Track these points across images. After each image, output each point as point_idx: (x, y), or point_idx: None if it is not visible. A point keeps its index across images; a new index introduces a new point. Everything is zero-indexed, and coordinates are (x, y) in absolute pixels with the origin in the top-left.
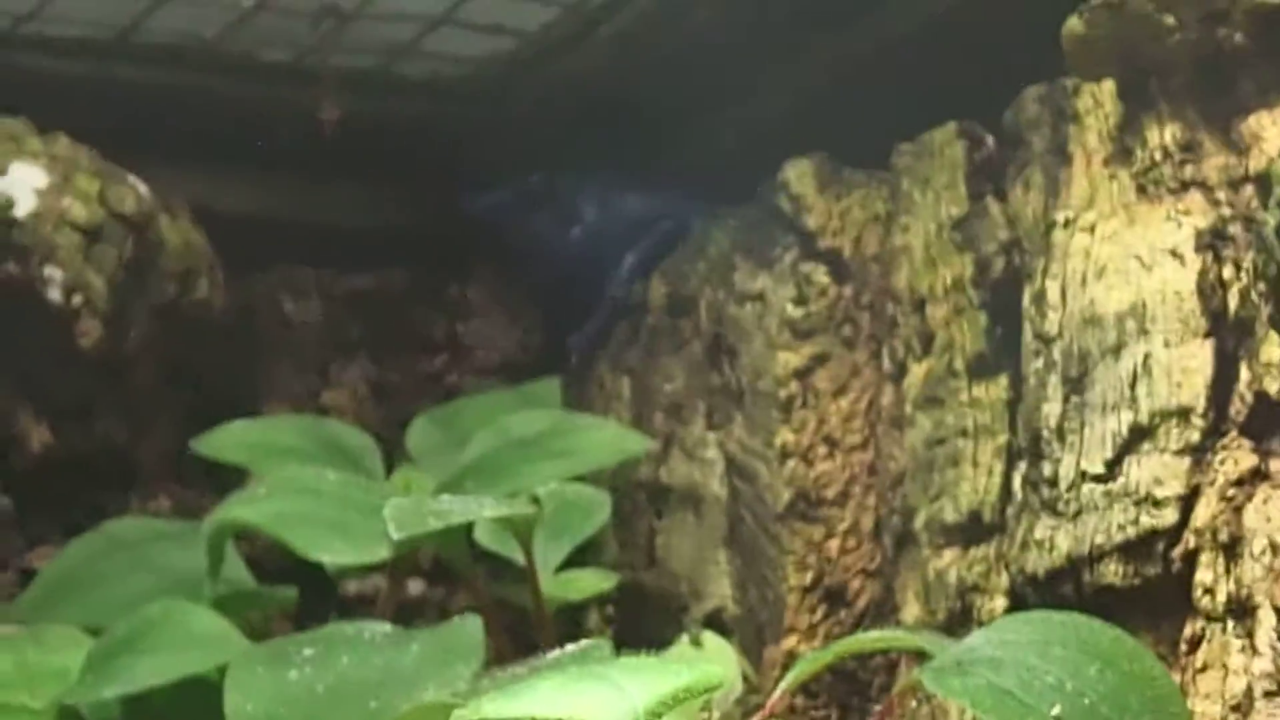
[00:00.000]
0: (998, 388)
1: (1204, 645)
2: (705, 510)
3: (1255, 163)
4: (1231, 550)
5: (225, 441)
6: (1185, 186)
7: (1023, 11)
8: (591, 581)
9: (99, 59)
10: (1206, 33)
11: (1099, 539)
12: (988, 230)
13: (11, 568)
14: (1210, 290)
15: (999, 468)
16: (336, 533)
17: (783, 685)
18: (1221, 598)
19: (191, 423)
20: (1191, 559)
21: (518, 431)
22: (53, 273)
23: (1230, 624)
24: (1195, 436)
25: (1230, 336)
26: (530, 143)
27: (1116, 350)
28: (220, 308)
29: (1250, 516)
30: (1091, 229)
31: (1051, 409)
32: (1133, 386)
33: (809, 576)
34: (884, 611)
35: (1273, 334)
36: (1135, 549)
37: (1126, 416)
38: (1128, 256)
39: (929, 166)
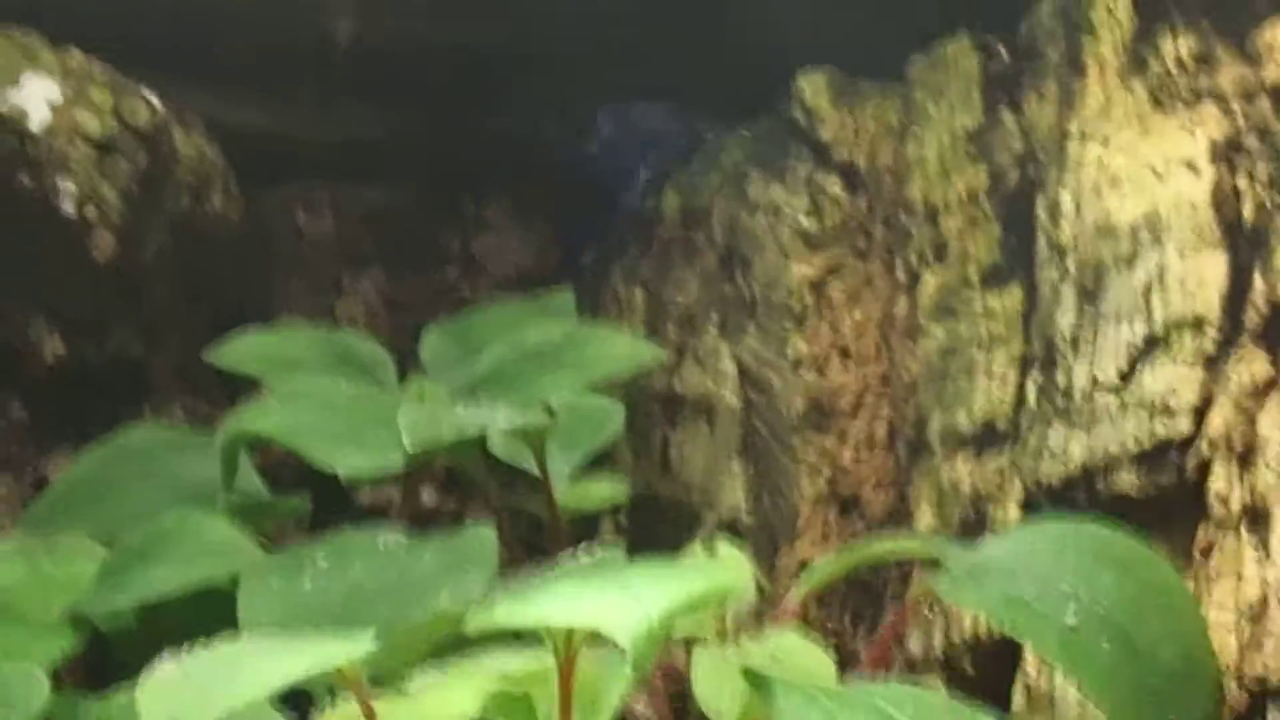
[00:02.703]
0: (1011, 298)
1: (1218, 553)
2: (718, 420)
3: (1270, 74)
4: (1245, 459)
5: (239, 353)
6: (1199, 98)
7: None
8: (605, 491)
9: None
10: None
11: (1113, 448)
12: (1002, 141)
13: (25, 477)
14: (1224, 201)
15: (1013, 377)
16: (350, 443)
17: (796, 593)
18: (1236, 506)
19: (205, 335)
20: (1205, 467)
21: (531, 342)
22: (66, 185)
23: (1244, 532)
24: (1209, 346)
25: (1244, 246)
26: (544, 57)
27: (1130, 260)
28: (234, 220)
29: (1264, 425)
30: (1105, 140)
31: (1065, 318)
32: (1147, 296)
33: (822, 485)
34: (897, 520)
35: None
36: (1149, 458)
37: (1140, 326)
38: (1142, 167)
39: (943, 78)
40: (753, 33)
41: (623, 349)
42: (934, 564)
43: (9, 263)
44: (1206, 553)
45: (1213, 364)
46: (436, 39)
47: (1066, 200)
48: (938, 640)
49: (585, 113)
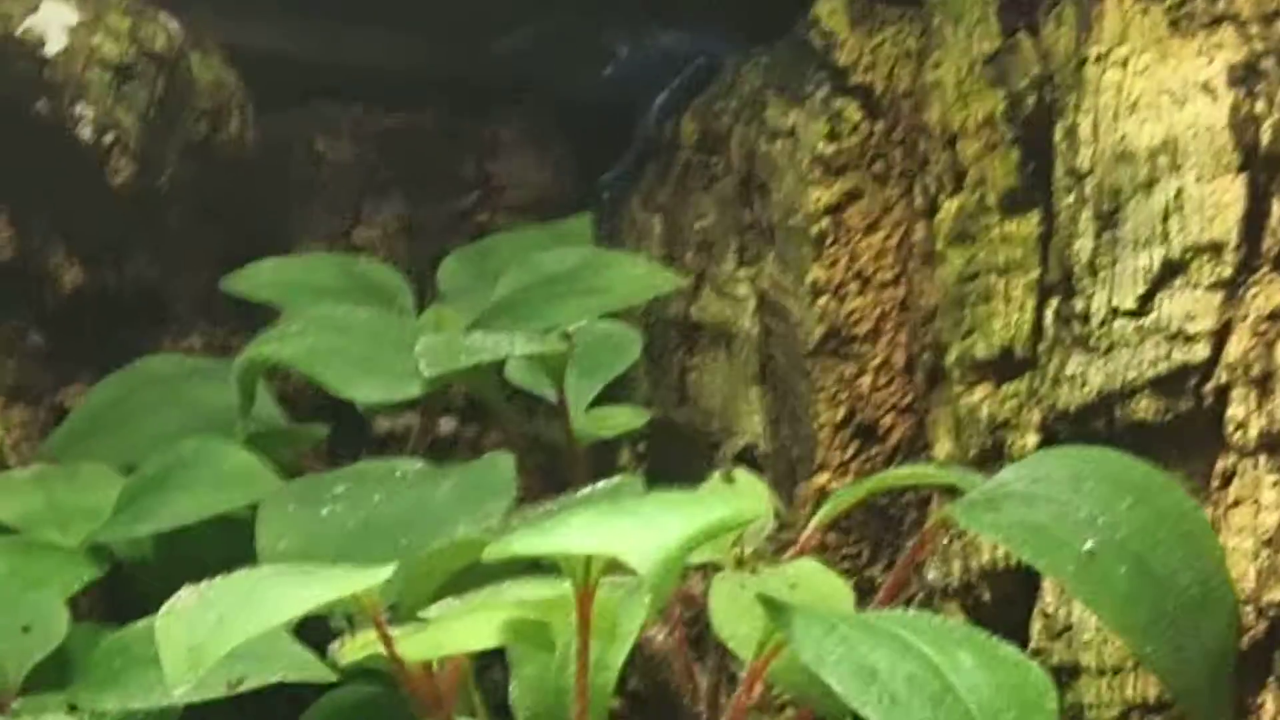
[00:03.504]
0: (1029, 223)
1: (1236, 480)
2: (736, 347)
3: None
4: (1264, 385)
5: (256, 279)
6: (1218, 21)
7: None
8: (623, 418)
9: None
10: None
11: (1131, 374)
12: (1020, 66)
13: (44, 405)
14: (1243, 125)
15: (1031, 303)
16: (368, 370)
17: (815, 521)
18: (1254, 433)
19: (223, 261)
20: (1223, 394)
21: (549, 268)
22: (84, 111)
23: (1263, 459)
24: (1227, 272)
25: (1263, 172)
26: None
27: (1149, 186)
28: (252, 146)
29: None
30: (1124, 64)
31: (1083, 244)
32: (1165, 222)
33: (841, 413)
34: (916, 448)
35: None
36: (1167, 384)
37: (1158, 252)
38: (1160, 92)
39: (961, 2)
40: None
41: (641, 276)
42: (952, 492)
43: (27, 190)
44: (1225, 480)
45: (1231, 290)
46: None
47: (1084, 125)
48: (956, 569)
49: (603, 36)
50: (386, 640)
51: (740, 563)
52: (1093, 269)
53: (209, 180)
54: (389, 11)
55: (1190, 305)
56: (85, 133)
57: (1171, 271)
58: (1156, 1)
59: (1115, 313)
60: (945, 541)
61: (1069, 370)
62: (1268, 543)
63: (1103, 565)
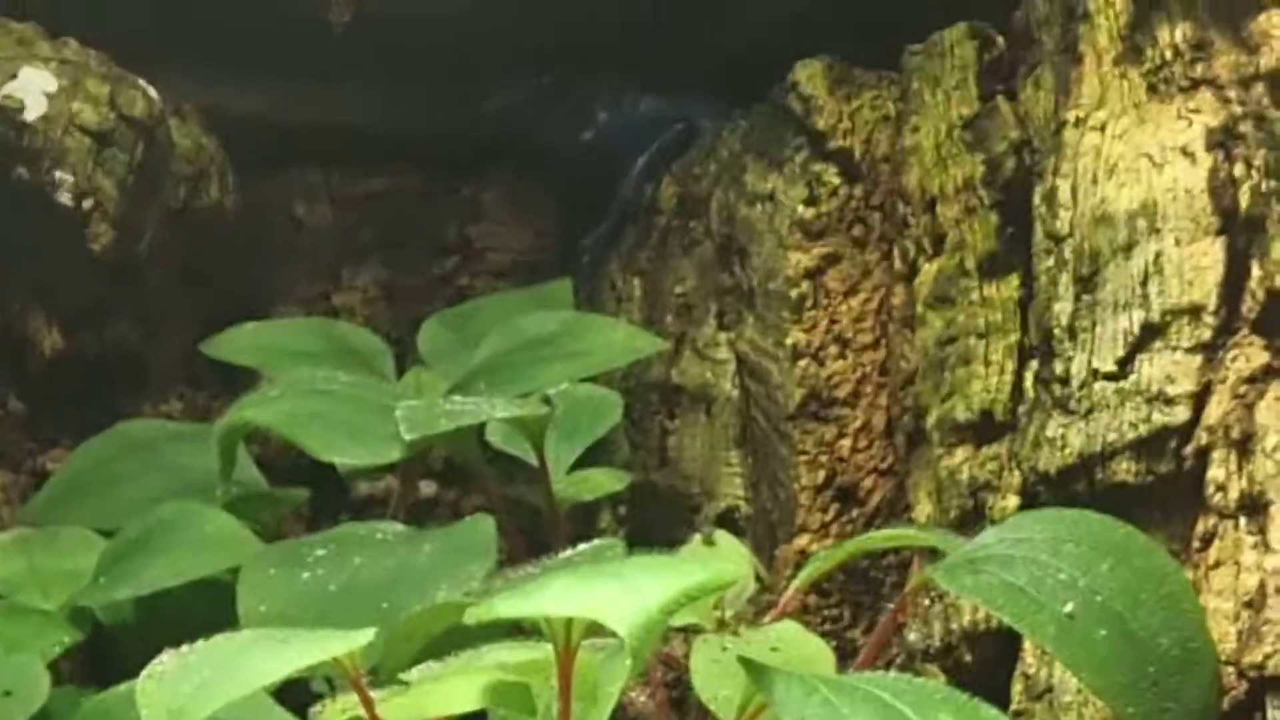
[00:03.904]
0: (1009, 286)
1: (1216, 542)
2: (717, 410)
3: (1266, 61)
4: (1244, 447)
5: (236, 344)
6: (1196, 85)
7: None
8: (604, 481)
9: None
10: None
11: (1111, 436)
12: (998, 130)
13: (24, 470)
14: (1221, 188)
15: (1010, 366)
16: (348, 434)
17: (795, 583)
18: (1234, 494)
19: (203, 325)
20: (1203, 456)
21: (530, 332)
22: (63, 176)
23: (1243, 520)
24: (1207, 334)
25: (1241, 234)
26: (542, 44)
27: (1128, 249)
28: (231, 210)
29: (1262, 413)
30: (1102, 128)
31: (1063, 307)
32: (1144, 284)
33: (821, 476)
34: (896, 510)
35: None
36: (1147, 446)
37: (1138, 314)
38: (1138, 155)
39: (939, 67)
40: (750, 25)
41: (620, 339)
42: (933, 554)
43: (6, 254)
44: (1205, 542)
45: (1210, 352)
46: (434, 20)
47: (1063, 189)
48: (937, 631)
49: (583, 101)
50: (368, 703)
51: (721, 625)
52: (1072, 332)
53: (188, 245)
54: (368, 74)
55: (1170, 368)
56: (64, 198)
57: (1151, 334)
58: (1134, 65)
59: (1095, 375)
60: (926, 603)
61: (1049, 432)
62: (1248, 604)
63: (1083, 627)
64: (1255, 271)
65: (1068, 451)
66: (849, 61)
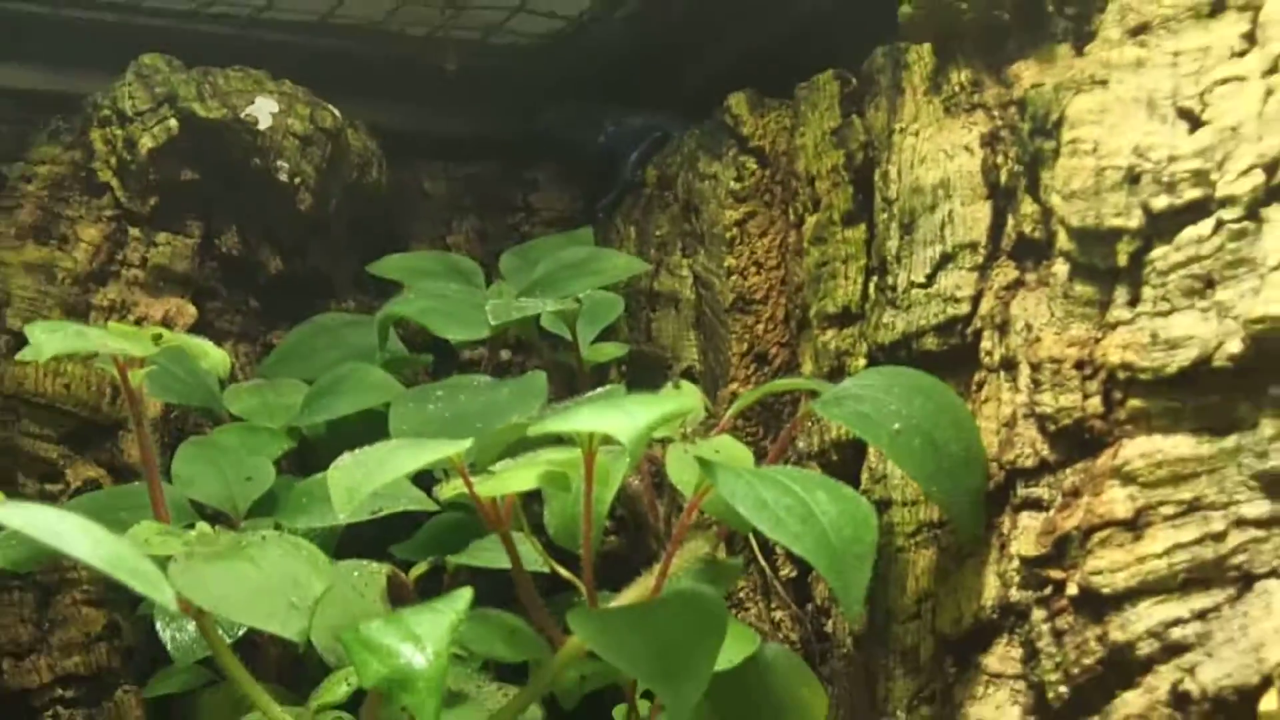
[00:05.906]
0: (859, 231)
1: (986, 387)
2: (681, 307)
3: (1016, 92)
4: (1002, 329)
5: (388, 266)
6: (974, 107)
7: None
8: (612, 350)
9: (309, 32)
10: (986, 13)
11: (922, 323)
12: (853, 135)
13: (258, 344)
14: (989, 171)
15: (860, 280)
16: (457, 320)
17: (729, 413)
18: (997, 357)
19: (367, 256)
20: (978, 334)
21: (567, 259)
22: (281, 164)
23: (1002, 374)
24: (980, 259)
25: (1002, 198)
26: (574, 85)
27: (932, 208)
28: (384, 185)
29: (1014, 308)
30: (916, 134)
31: (892, 244)
32: (942, 230)
33: (745, 346)
34: (791, 368)
35: (1027, 197)
36: (944, 329)
37: (938, 248)
38: (939, 150)
39: (817, 96)
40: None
41: (622, 263)
42: (813, 394)
43: (248, 213)
44: (979, 387)
45: (983, 271)
46: (502, 69)
47: (893, 171)
48: (816, 441)
49: (598, 117)
50: (468, 484)
51: (684, 437)
52: (898, 258)
53: (358, 207)
54: (466, 101)
55: (958, 280)
56: (283, 177)
57: (946, 260)
58: (936, 95)
59: (912, 285)
60: (809, 424)
61: (884, 320)
62: (1006, 424)
63: (905, 438)
64: (1010, 221)
65: (895, 331)
66: (763, 92)
